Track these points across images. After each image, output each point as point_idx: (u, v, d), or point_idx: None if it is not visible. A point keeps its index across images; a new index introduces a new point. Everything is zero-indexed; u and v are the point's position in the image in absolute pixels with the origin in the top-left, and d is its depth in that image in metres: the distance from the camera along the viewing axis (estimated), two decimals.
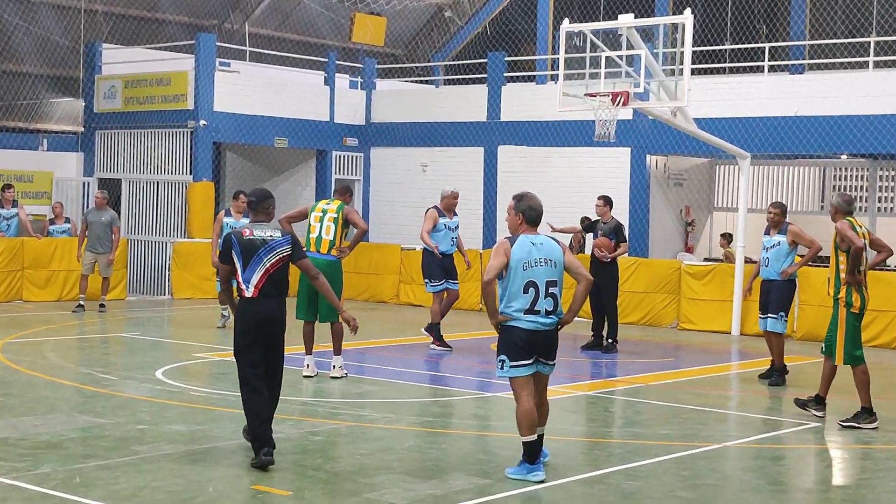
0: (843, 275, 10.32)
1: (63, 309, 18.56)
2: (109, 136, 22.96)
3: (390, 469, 8.21)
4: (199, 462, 8.29)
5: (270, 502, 7.38)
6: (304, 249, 8.97)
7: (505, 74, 22.98)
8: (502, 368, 8.01)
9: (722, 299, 18.05)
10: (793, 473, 8.88)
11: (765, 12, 25.31)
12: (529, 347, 7.92)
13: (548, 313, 7.94)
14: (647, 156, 21.00)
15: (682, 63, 15.86)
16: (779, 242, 12.81)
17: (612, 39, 16.21)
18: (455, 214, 15.35)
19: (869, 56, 19.89)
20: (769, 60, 21.02)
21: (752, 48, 23.07)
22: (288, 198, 23.09)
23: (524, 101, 22.34)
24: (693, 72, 16.44)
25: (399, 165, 23.88)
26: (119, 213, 21.07)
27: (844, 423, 10.33)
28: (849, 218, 10.45)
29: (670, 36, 17.91)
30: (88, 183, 22.83)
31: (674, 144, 20.49)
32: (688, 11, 16.01)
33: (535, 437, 7.94)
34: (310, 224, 12.19)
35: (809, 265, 14.29)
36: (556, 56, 18.58)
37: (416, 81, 27.67)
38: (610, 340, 15.38)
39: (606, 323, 15.41)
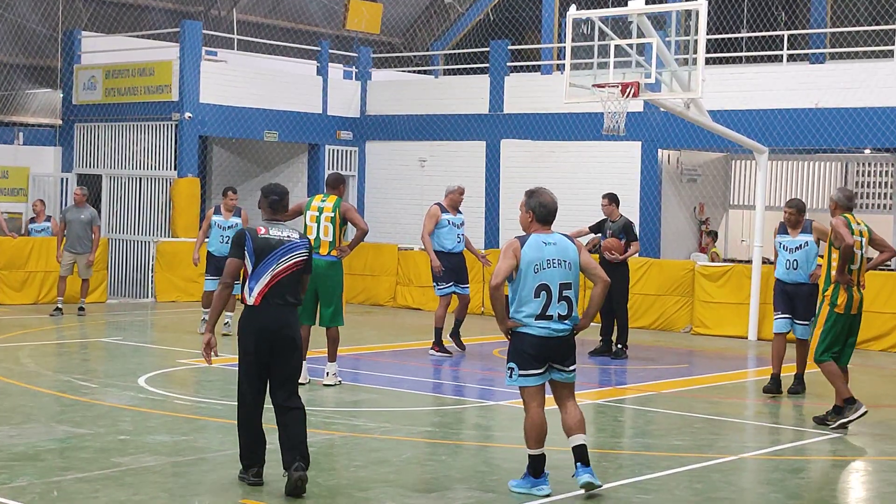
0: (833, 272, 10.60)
1: (40, 312, 18.56)
2: (89, 129, 22.97)
3: (387, 482, 8.21)
4: (184, 475, 8.29)
5: None
6: None
7: (508, 64, 22.99)
8: (511, 377, 7.98)
9: (738, 302, 18.06)
10: (813, 487, 8.87)
11: None
12: (541, 355, 7.86)
13: (561, 318, 7.87)
14: (659, 150, 21.01)
15: (695, 52, 15.86)
16: (806, 242, 12.48)
17: (621, 27, 16.22)
18: (460, 212, 15.41)
19: (894, 45, 19.89)
20: (788, 49, 21.01)
21: (771, 36, 23.07)
22: None
23: (528, 93, 22.35)
24: (707, 61, 16.42)
25: (396, 160, 23.89)
26: (99, 211, 21.11)
27: (831, 425, 10.58)
28: (847, 214, 10.74)
29: (683, 23, 17.93)
30: (67, 179, 22.84)
31: (687, 138, 20.50)
32: None
33: (541, 451, 7.91)
34: (306, 224, 12.15)
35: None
36: (562, 44, 18.58)
37: (414, 71, 27.68)
38: (619, 346, 15.39)
39: (616, 327, 15.42)
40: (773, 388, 12.57)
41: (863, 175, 23.40)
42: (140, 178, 22.27)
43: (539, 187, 8.17)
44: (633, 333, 16.46)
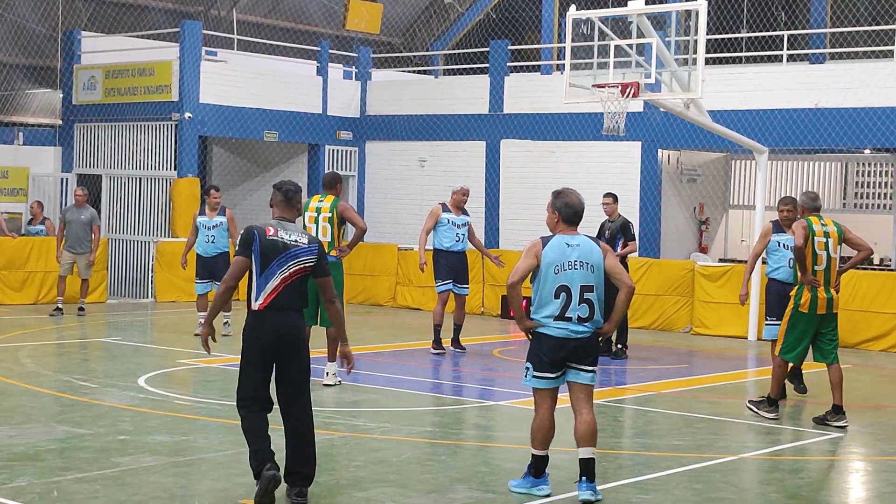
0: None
1: (40, 312, 18.56)
2: (89, 129, 22.97)
3: (387, 482, 8.21)
4: (184, 475, 8.30)
5: None
6: None
7: (508, 64, 22.99)
8: (526, 377, 7.98)
9: (738, 302, 18.01)
10: (813, 487, 8.87)
11: None
12: (557, 358, 7.81)
13: (581, 320, 7.81)
14: (659, 150, 21.01)
15: (695, 52, 15.87)
16: None
17: (621, 27, 16.22)
18: (464, 212, 15.46)
19: (894, 45, 19.89)
20: (788, 49, 21.02)
21: (770, 36, 23.08)
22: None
23: (528, 93, 22.35)
24: (707, 61, 16.42)
25: (396, 161, 23.89)
26: (99, 211, 21.11)
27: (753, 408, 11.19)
28: (812, 217, 10.80)
29: (683, 23, 17.93)
30: (67, 179, 22.83)
31: (687, 138, 20.50)
32: None
33: (545, 452, 7.91)
34: (304, 225, 12.16)
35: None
36: (562, 45, 18.57)
37: (414, 71, 27.68)
38: (619, 346, 15.41)
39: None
40: (797, 385, 12.64)
41: (863, 175, 23.39)
42: (140, 179, 22.27)
43: (565, 188, 8.11)
44: (632, 333, 16.47)
